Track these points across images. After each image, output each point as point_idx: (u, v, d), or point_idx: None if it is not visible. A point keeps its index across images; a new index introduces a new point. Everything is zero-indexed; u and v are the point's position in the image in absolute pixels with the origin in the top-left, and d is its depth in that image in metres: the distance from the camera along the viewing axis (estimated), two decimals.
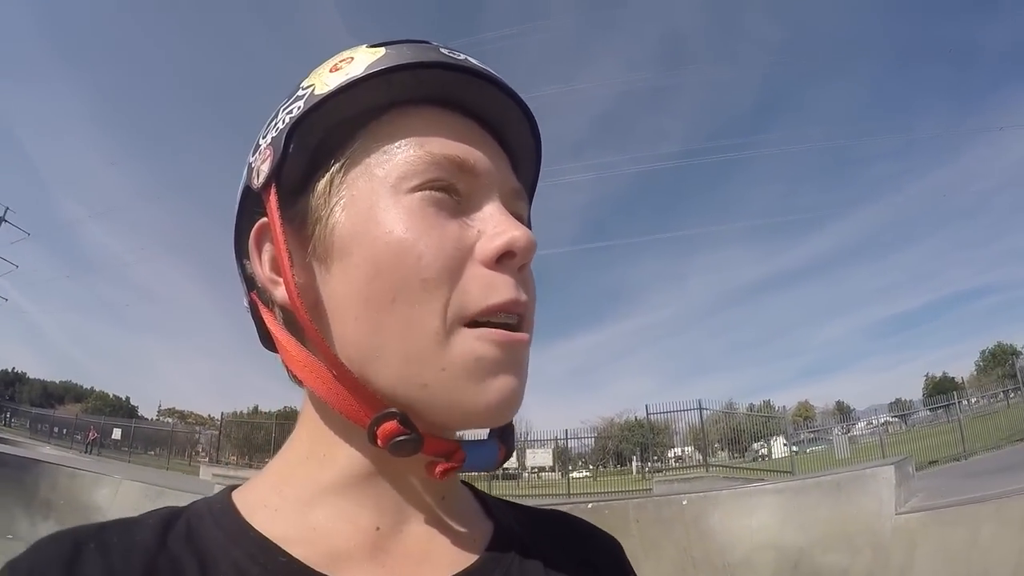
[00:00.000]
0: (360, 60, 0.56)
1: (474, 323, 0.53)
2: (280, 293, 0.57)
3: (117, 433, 36.49)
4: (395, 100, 0.58)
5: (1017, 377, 26.25)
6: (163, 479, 15.17)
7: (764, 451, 27.74)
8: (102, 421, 40.38)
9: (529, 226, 0.65)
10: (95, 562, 0.48)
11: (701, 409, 18.81)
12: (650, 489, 14.58)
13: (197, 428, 47.85)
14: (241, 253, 0.63)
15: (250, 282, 0.62)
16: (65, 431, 40.22)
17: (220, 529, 0.54)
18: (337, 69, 0.57)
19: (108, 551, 0.49)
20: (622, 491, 19.06)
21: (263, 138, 0.59)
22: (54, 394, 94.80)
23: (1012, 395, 27.14)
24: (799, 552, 6.78)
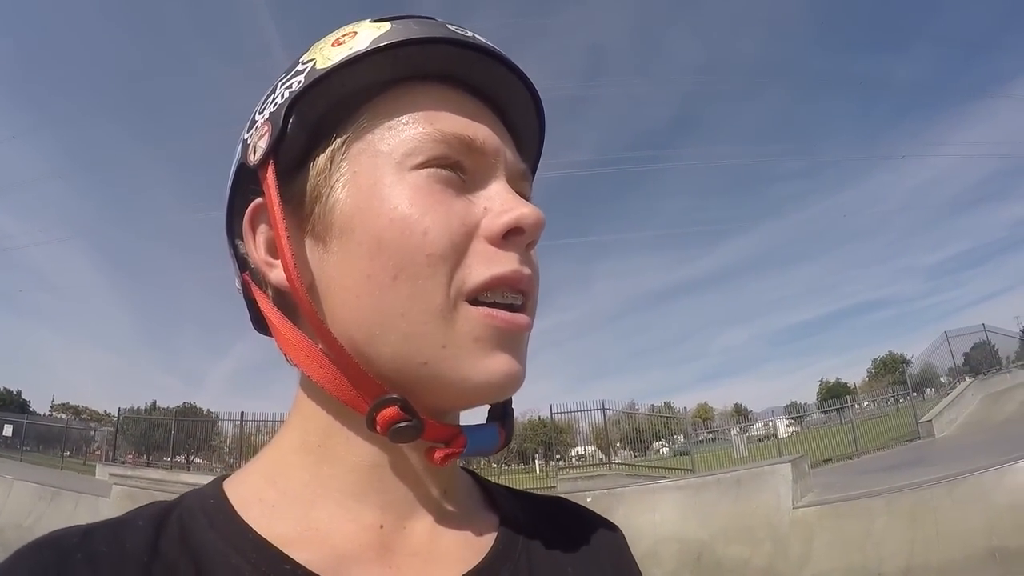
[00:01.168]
0: (364, 35, 0.55)
1: (477, 301, 0.52)
2: (276, 275, 0.55)
3: (8, 430, 34.36)
4: (400, 76, 0.56)
5: (906, 383, 27.80)
6: (57, 479, 14.39)
7: (665, 450, 28.44)
8: None
9: (528, 185, 0.63)
10: None
11: (604, 409, 19.15)
12: (554, 487, 14.74)
13: (93, 425, 46.11)
14: (233, 233, 0.60)
15: (242, 263, 0.60)
16: None
17: (216, 531, 0.50)
18: (340, 43, 0.55)
19: (97, 563, 0.45)
20: (529, 489, 18.91)
21: (259, 113, 0.57)
22: None
23: (901, 399, 28.71)
24: (701, 544, 7.00)
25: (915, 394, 25.99)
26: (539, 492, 0.76)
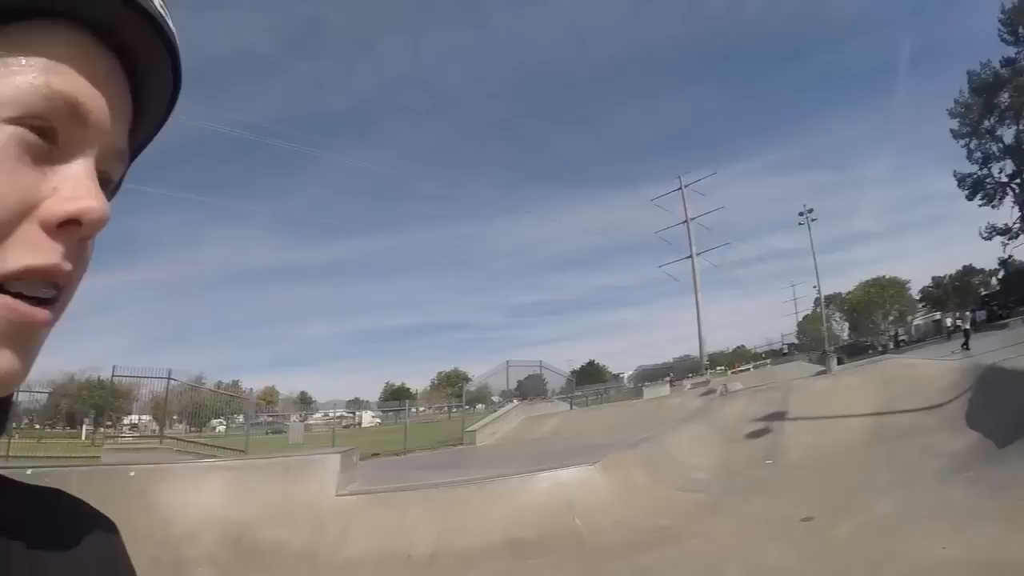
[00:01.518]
0: None
1: (2, 288, 0.45)
2: None
3: None
4: (19, 7, 0.46)
5: (462, 396, 31.01)
6: None
7: (222, 428, 27.78)
8: None
9: (118, 187, 0.57)
10: None
11: (169, 379, 18.36)
12: (98, 457, 13.58)
13: None
14: None
15: None
16: None
17: None
18: None
19: None
20: (68, 457, 18.05)
21: None
22: None
23: (455, 410, 31.66)
24: (242, 527, 7.02)
25: (467, 407, 28.99)
26: (37, 484, 0.64)
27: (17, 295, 0.46)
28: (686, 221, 47.68)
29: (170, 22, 0.52)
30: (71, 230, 0.48)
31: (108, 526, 0.65)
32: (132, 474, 7.53)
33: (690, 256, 47.17)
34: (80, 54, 0.49)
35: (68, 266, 0.48)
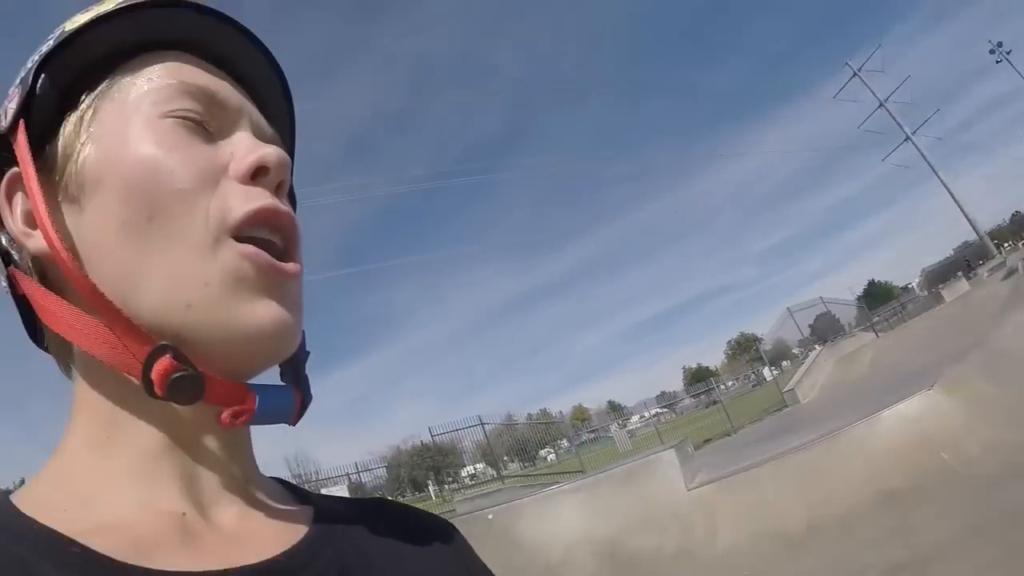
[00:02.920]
0: (111, 2, 0.53)
1: (239, 238, 0.51)
2: (34, 243, 0.51)
3: None
4: (147, 41, 0.55)
5: (763, 359, 29.69)
6: None
7: (552, 456, 28.65)
8: None
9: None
10: None
11: (483, 424, 18.90)
12: (453, 510, 14.58)
13: None
14: None
15: (5, 257, 0.53)
16: None
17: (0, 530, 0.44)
18: (88, 11, 0.53)
19: None
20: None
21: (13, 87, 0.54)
22: None
23: (760, 374, 30.42)
24: (610, 542, 7.06)
25: (772, 368, 27.70)
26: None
27: (253, 241, 0.51)
28: (881, 104, 41.62)
29: (239, 21, 0.59)
30: (263, 180, 0.53)
31: (447, 524, 0.71)
32: (490, 517, 7.78)
33: (907, 138, 41.00)
34: (193, 63, 0.56)
35: (283, 208, 0.54)
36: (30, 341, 0.58)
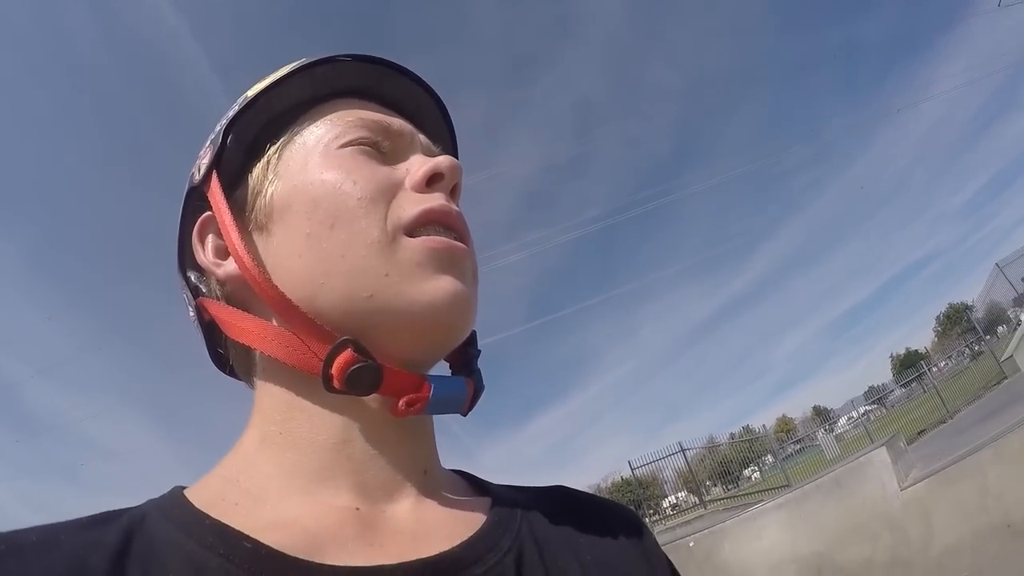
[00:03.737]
0: (283, 69, 0.62)
1: (413, 234, 0.56)
2: (224, 270, 0.59)
3: None
4: (320, 94, 0.64)
5: (976, 329, 27.02)
6: None
7: (757, 475, 27.73)
8: None
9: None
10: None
11: (683, 451, 18.49)
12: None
13: None
14: (185, 263, 0.64)
15: (195, 291, 0.62)
16: None
17: (171, 522, 0.47)
18: (264, 79, 0.62)
19: (23, 552, 0.41)
20: None
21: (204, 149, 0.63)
22: None
23: (976, 346, 27.92)
24: (819, 557, 6.77)
25: (988, 336, 25.30)
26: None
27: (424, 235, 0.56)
28: None
29: (401, 64, 0.67)
30: (437, 184, 0.60)
31: (627, 510, 0.73)
32: (691, 544, 7.62)
33: None
34: (362, 104, 0.65)
35: (455, 208, 0.60)
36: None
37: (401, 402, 0.53)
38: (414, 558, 0.48)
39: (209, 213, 0.61)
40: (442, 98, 0.71)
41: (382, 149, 0.61)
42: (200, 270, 0.62)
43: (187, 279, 0.63)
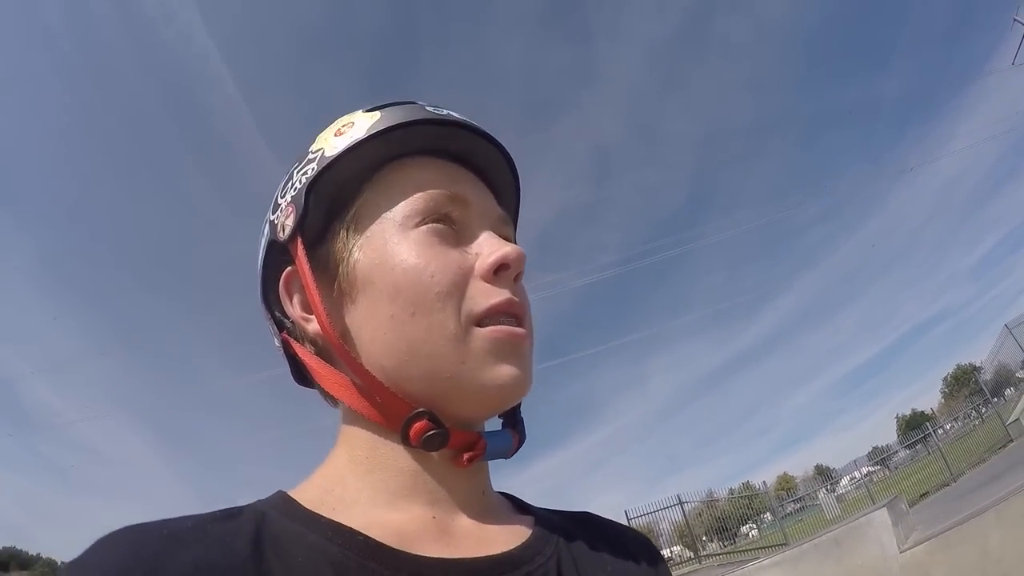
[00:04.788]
0: (360, 124, 0.69)
1: (481, 324, 0.65)
2: (312, 327, 0.68)
3: None
4: (393, 154, 0.70)
5: (984, 391, 26.88)
6: None
7: (754, 532, 27.43)
8: None
9: (511, 229, 0.78)
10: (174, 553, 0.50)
11: (682, 504, 18.45)
12: None
13: None
14: (269, 300, 0.75)
15: (279, 324, 0.74)
16: None
17: (289, 518, 0.59)
18: (341, 133, 0.69)
19: (180, 536, 0.52)
20: None
21: (281, 197, 0.71)
22: None
23: (983, 408, 27.72)
24: None
25: (995, 399, 25.15)
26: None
27: (491, 324, 0.65)
28: None
29: (471, 121, 0.73)
30: (503, 274, 0.67)
31: (641, 535, 0.85)
32: None
33: None
34: (435, 167, 0.71)
35: (517, 299, 0.68)
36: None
37: (464, 457, 0.66)
38: (484, 554, 0.62)
39: (292, 269, 0.70)
40: (509, 153, 0.78)
41: (454, 223, 0.69)
42: (285, 314, 0.73)
43: (272, 314, 0.75)
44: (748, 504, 24.57)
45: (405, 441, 0.63)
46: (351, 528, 0.58)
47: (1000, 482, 8.50)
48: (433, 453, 0.66)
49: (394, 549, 0.57)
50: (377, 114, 0.69)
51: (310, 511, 0.60)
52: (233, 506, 0.60)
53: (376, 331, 0.65)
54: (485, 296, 0.66)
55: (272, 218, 0.71)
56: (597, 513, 0.85)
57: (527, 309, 0.71)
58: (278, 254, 0.71)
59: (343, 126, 0.70)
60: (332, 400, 0.72)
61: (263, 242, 0.73)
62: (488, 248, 0.68)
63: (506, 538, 0.66)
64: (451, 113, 0.72)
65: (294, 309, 0.70)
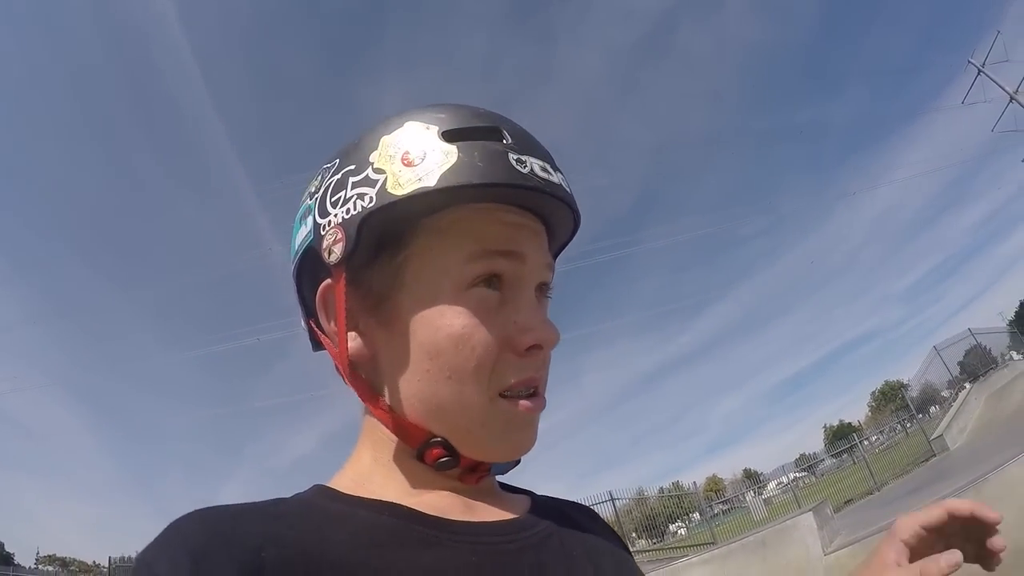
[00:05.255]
0: (432, 160, 0.65)
1: (504, 394, 0.70)
2: (349, 343, 0.71)
3: None
4: (461, 202, 0.67)
5: (910, 407, 27.80)
6: None
7: (683, 531, 27.84)
8: None
9: (552, 274, 0.78)
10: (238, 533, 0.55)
11: (613, 500, 18.39)
12: None
13: None
14: (301, 281, 0.77)
15: (308, 308, 0.78)
16: None
17: (335, 501, 0.66)
18: (410, 164, 0.66)
19: (247, 516, 0.59)
20: None
21: (332, 206, 0.69)
22: None
23: (908, 423, 28.59)
24: None
25: (919, 415, 25.99)
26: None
27: (515, 396, 0.71)
28: (1012, 98, 34.85)
29: (555, 185, 0.70)
30: (535, 352, 0.71)
31: (591, 509, 0.96)
32: None
33: None
34: (494, 218, 0.69)
35: (541, 373, 0.73)
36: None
37: (472, 479, 0.74)
38: (504, 519, 0.72)
39: (329, 285, 0.71)
40: (577, 206, 0.77)
41: (503, 282, 0.70)
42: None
43: (302, 294, 0.78)
44: (678, 503, 24.78)
45: (419, 458, 0.71)
46: (394, 502, 0.66)
47: (923, 493, 8.79)
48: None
49: (436, 516, 0.66)
50: (454, 153, 0.66)
51: (352, 495, 0.67)
52: (276, 497, 0.65)
53: (410, 377, 0.69)
54: (515, 372, 0.70)
55: (320, 228, 0.69)
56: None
57: (546, 378, 0.76)
58: (317, 262, 0.71)
59: (413, 156, 0.66)
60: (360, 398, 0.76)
61: (303, 234, 0.73)
62: (527, 322, 0.70)
63: (514, 509, 0.76)
64: (534, 171, 0.68)
65: (329, 324, 0.73)
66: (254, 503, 0.62)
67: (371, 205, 0.65)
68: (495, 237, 0.69)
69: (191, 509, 0.58)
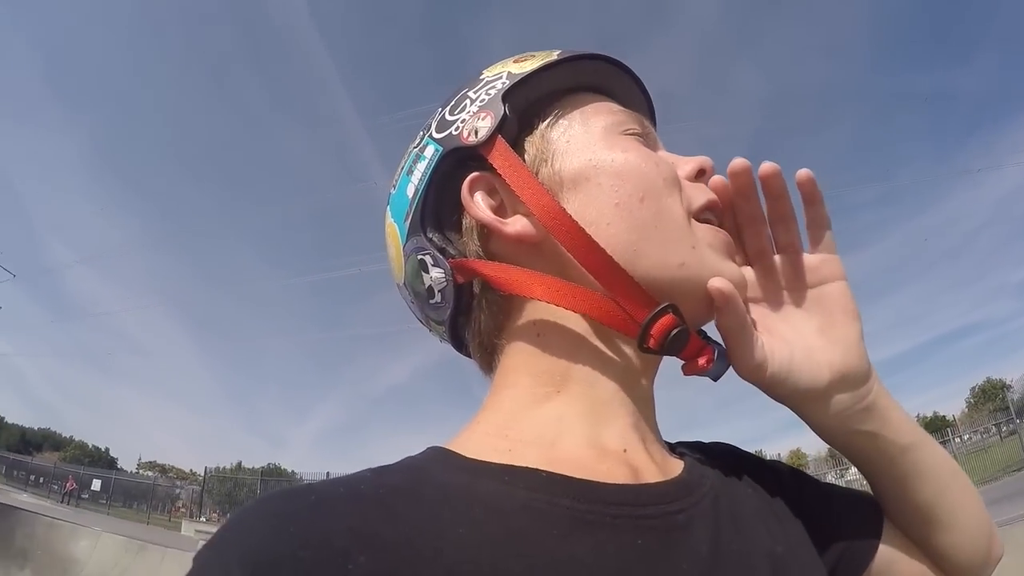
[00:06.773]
0: (540, 56, 0.69)
1: (698, 219, 0.66)
2: (512, 229, 0.63)
3: (96, 484, 36.33)
4: (573, 85, 0.71)
5: (1009, 410, 26.60)
6: (143, 533, 14.59)
7: None
8: (81, 471, 39.75)
9: None
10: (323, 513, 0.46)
11: None
12: None
13: (178, 483, 47.95)
14: (426, 228, 0.66)
15: (442, 252, 0.66)
16: (43, 479, 39.35)
17: (453, 470, 0.54)
18: (522, 61, 0.68)
19: (331, 501, 0.47)
20: None
21: (453, 114, 0.67)
22: (32, 441, 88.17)
23: (1004, 428, 27.47)
24: None
25: (1020, 420, 24.89)
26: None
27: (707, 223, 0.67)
28: None
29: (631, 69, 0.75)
30: (702, 178, 0.69)
31: (784, 465, 0.83)
32: None
33: None
34: (613, 102, 0.72)
35: (716, 197, 0.68)
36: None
37: (702, 360, 0.63)
38: (663, 479, 0.60)
39: (479, 174, 0.65)
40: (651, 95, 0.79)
41: (646, 141, 0.69)
42: (455, 230, 0.67)
43: (430, 239, 0.66)
44: None
45: (642, 343, 0.59)
46: (528, 467, 0.54)
47: (1009, 503, 8.55)
48: (635, 370, 0.64)
49: (587, 480, 0.54)
50: (554, 54, 0.69)
51: (476, 459, 0.55)
52: (384, 465, 0.55)
53: (598, 223, 0.61)
54: (700, 193, 0.67)
55: (450, 131, 0.66)
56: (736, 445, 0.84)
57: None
58: (453, 166, 0.65)
59: (521, 60, 0.69)
60: (487, 358, 0.70)
61: (429, 159, 0.66)
62: (683, 158, 0.70)
63: (673, 465, 0.65)
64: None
65: (484, 212, 0.64)
66: (347, 478, 0.50)
67: (505, 86, 0.65)
68: (620, 109, 0.71)
69: (266, 494, 0.49)
